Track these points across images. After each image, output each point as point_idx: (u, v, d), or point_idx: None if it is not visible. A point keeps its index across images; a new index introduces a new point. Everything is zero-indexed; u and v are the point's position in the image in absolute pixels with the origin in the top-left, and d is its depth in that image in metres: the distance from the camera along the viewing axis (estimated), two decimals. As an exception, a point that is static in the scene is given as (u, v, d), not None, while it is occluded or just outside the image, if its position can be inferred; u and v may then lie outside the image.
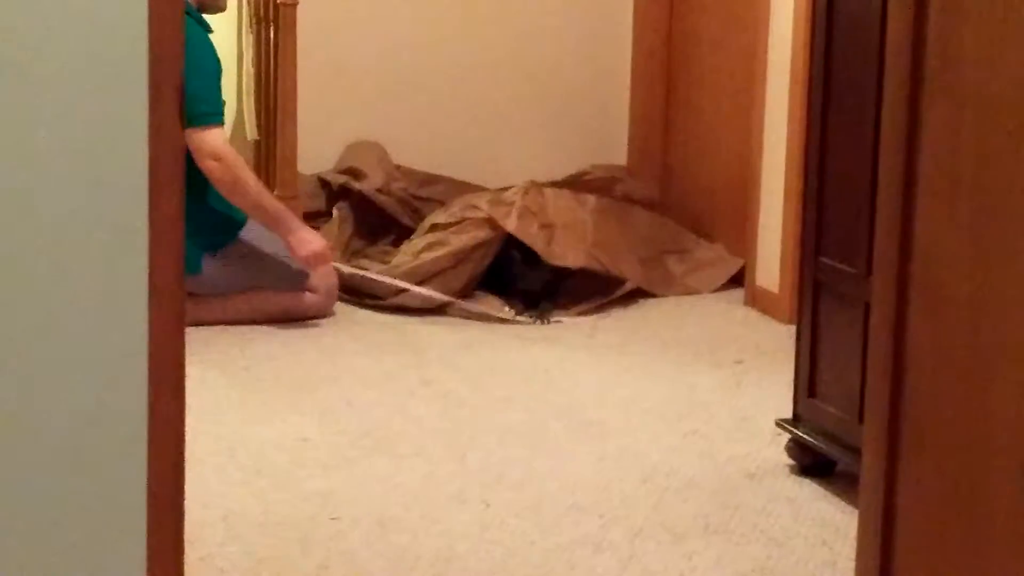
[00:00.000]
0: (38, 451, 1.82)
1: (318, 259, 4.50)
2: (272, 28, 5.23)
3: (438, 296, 4.65)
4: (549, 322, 4.67)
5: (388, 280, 4.64)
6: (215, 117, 4.47)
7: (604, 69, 5.74)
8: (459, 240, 4.75)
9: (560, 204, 4.97)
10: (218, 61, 4.58)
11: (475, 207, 4.84)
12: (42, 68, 1.77)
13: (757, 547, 2.90)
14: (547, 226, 4.84)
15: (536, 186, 4.99)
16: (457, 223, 4.81)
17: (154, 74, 1.80)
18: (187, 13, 4.46)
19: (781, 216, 4.75)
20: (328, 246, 4.53)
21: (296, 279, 4.59)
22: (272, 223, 4.47)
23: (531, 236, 4.76)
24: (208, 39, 4.57)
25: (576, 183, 5.30)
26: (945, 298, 1.90)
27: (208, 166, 4.40)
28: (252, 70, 5.26)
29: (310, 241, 4.50)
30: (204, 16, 4.65)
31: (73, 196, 1.80)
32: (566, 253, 4.80)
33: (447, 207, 4.99)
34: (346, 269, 4.79)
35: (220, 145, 4.45)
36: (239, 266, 4.55)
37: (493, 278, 4.84)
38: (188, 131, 4.32)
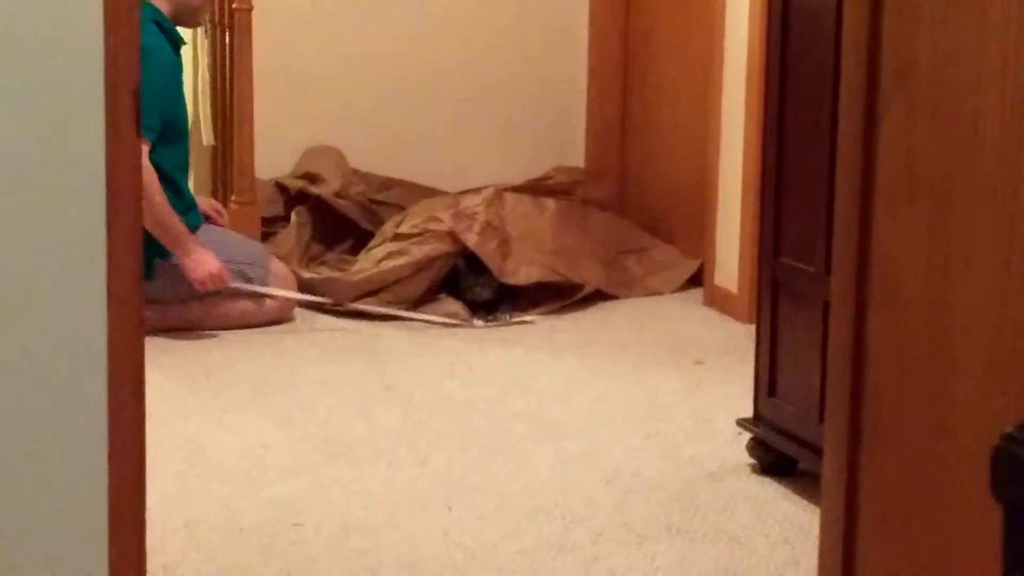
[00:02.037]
0: (-3, 461, 1.81)
1: (213, 280, 4.45)
2: (228, 32, 5.22)
3: (319, 299, 4.64)
4: (508, 322, 4.68)
5: (281, 293, 4.59)
6: (142, 131, 4.38)
7: (561, 72, 5.75)
8: (420, 251, 4.77)
9: (520, 212, 4.99)
10: (173, 76, 4.54)
11: (437, 219, 4.85)
12: (-3, 75, 1.76)
13: (720, 547, 2.91)
14: (506, 241, 4.85)
15: (498, 194, 5.00)
16: (419, 234, 4.82)
17: (110, 79, 1.79)
18: (157, 23, 4.45)
19: (739, 216, 4.76)
20: (223, 268, 4.48)
21: (254, 283, 4.57)
22: (171, 243, 4.43)
23: (488, 253, 4.77)
24: (162, 52, 4.51)
25: (538, 187, 5.31)
26: (903, 297, 1.91)
27: None
28: (208, 75, 5.24)
29: (205, 263, 4.46)
30: (178, 28, 4.62)
31: (30, 203, 1.78)
32: (519, 268, 4.81)
33: (409, 215, 4.99)
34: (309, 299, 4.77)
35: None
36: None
37: (450, 283, 4.84)
38: None
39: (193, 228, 4.56)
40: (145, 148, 4.41)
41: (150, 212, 4.36)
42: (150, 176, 4.38)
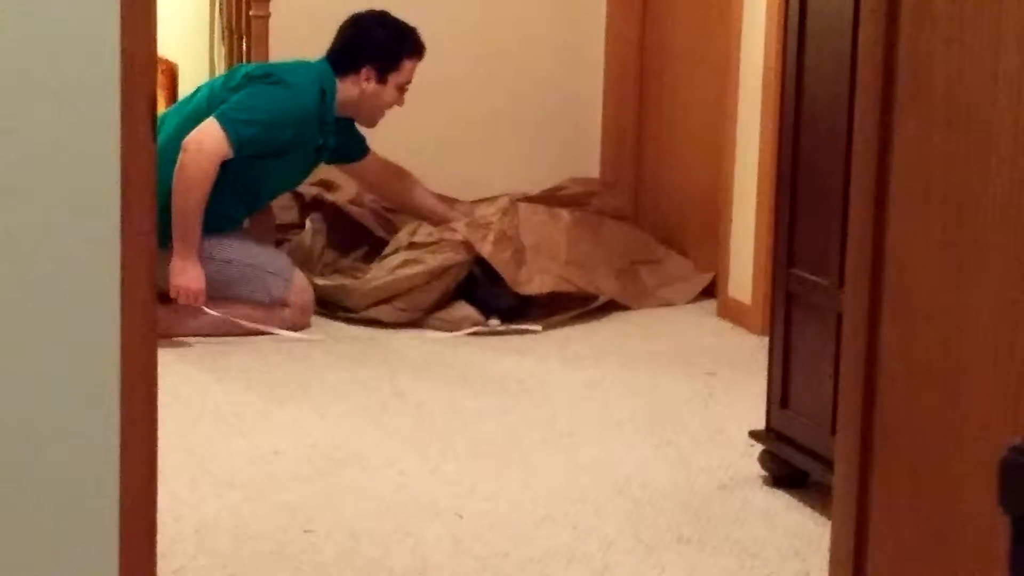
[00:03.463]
0: (9, 465, 1.81)
1: (189, 294, 4.44)
2: (244, 40, 5.23)
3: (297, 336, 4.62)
4: (514, 328, 4.68)
5: (249, 325, 4.57)
6: (234, 132, 4.44)
7: (576, 83, 5.75)
8: (434, 259, 4.76)
9: (534, 221, 4.99)
10: (297, 129, 4.56)
11: (452, 228, 4.86)
12: (11, 78, 1.76)
13: (730, 558, 2.91)
14: (520, 251, 4.85)
15: (513, 204, 5.00)
16: (434, 243, 4.82)
17: (126, 84, 1.80)
18: (323, 92, 4.56)
19: (753, 228, 4.76)
20: (203, 291, 4.47)
21: (273, 294, 4.58)
22: (178, 238, 4.41)
23: (503, 263, 4.77)
24: (303, 104, 4.56)
25: (552, 198, 5.31)
26: (916, 309, 1.91)
27: (186, 150, 4.38)
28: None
29: (191, 274, 4.44)
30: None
31: (44, 209, 1.79)
32: (533, 278, 4.81)
33: (424, 224, 4.99)
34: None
35: (212, 146, 4.41)
36: (215, 269, 4.53)
37: (465, 290, 4.84)
38: (209, 118, 4.35)
39: (238, 220, 4.64)
40: (223, 145, 4.42)
41: (183, 200, 4.39)
42: (208, 169, 4.40)
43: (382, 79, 4.68)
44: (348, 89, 4.66)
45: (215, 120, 4.42)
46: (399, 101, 4.76)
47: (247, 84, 4.56)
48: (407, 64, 4.71)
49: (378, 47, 4.67)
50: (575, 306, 4.89)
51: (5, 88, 1.76)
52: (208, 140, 4.41)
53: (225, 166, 4.48)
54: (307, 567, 2.81)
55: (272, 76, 4.59)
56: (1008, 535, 1.25)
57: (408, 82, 4.74)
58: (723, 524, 3.08)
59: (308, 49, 5.01)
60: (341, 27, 4.75)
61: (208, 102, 4.60)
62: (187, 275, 4.43)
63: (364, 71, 4.66)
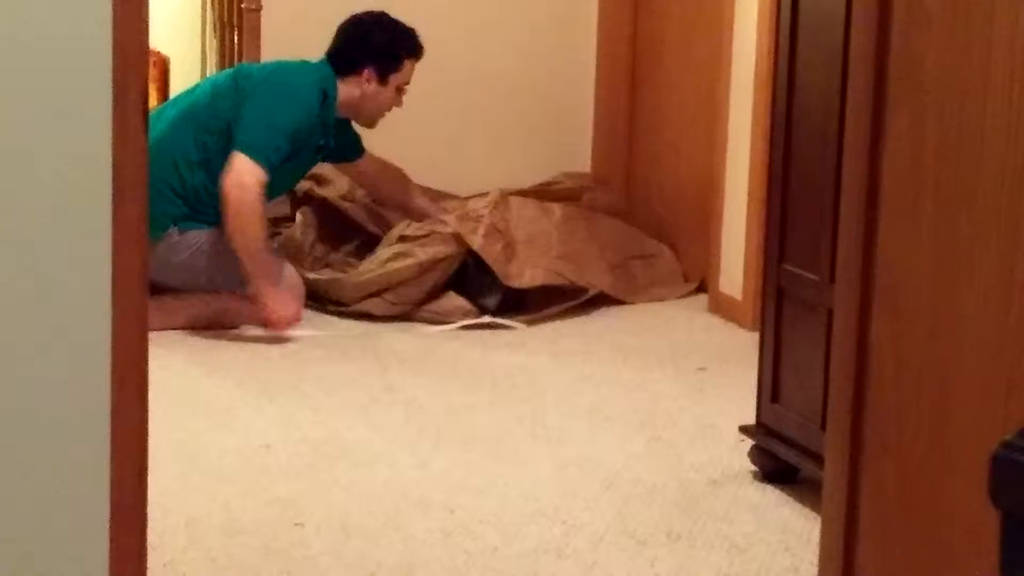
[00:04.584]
0: (-1, 456, 1.81)
1: (288, 322, 4.46)
2: (236, 33, 5.23)
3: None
4: (502, 324, 4.69)
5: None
6: (265, 160, 4.46)
7: (568, 77, 5.75)
8: (425, 253, 4.77)
9: (526, 215, 4.99)
10: (307, 131, 4.59)
11: (443, 221, 4.86)
12: (2, 70, 1.76)
13: (720, 554, 2.91)
14: (511, 244, 4.85)
15: (504, 198, 5.00)
16: (425, 236, 4.82)
17: (118, 76, 1.80)
18: (325, 93, 4.56)
19: (744, 223, 4.77)
20: (295, 313, 4.50)
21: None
22: (254, 273, 4.43)
23: (493, 256, 4.77)
24: (308, 107, 4.58)
25: (544, 192, 5.32)
26: (907, 304, 1.91)
27: (229, 193, 4.40)
28: (216, 75, 5.24)
29: (288, 303, 4.47)
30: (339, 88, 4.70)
31: (35, 200, 1.79)
32: (524, 271, 4.81)
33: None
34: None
35: (252, 180, 4.43)
36: (208, 261, 4.54)
37: (457, 280, 4.85)
38: (235, 152, 4.37)
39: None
40: (260, 174, 4.45)
41: (243, 238, 4.41)
42: (256, 203, 4.43)
43: (383, 80, 4.70)
44: (349, 90, 4.68)
45: (243, 155, 4.43)
46: (398, 102, 4.79)
47: (255, 92, 4.54)
48: (407, 65, 4.74)
49: (379, 48, 4.69)
50: (566, 300, 4.89)
51: (-4, 80, 1.76)
52: (246, 177, 4.43)
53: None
54: (297, 561, 2.81)
55: (279, 83, 4.59)
56: (998, 530, 1.25)
57: (407, 83, 4.76)
58: (713, 519, 3.09)
59: (300, 42, 5.01)
60: (341, 27, 4.75)
61: (212, 98, 4.60)
62: (277, 304, 4.45)
63: (365, 72, 4.68)
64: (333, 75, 4.66)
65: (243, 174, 4.41)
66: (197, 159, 4.55)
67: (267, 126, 4.48)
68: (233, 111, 4.52)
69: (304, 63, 4.69)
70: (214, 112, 4.55)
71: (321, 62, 4.70)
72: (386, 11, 4.75)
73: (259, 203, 4.43)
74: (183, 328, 4.50)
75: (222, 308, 4.57)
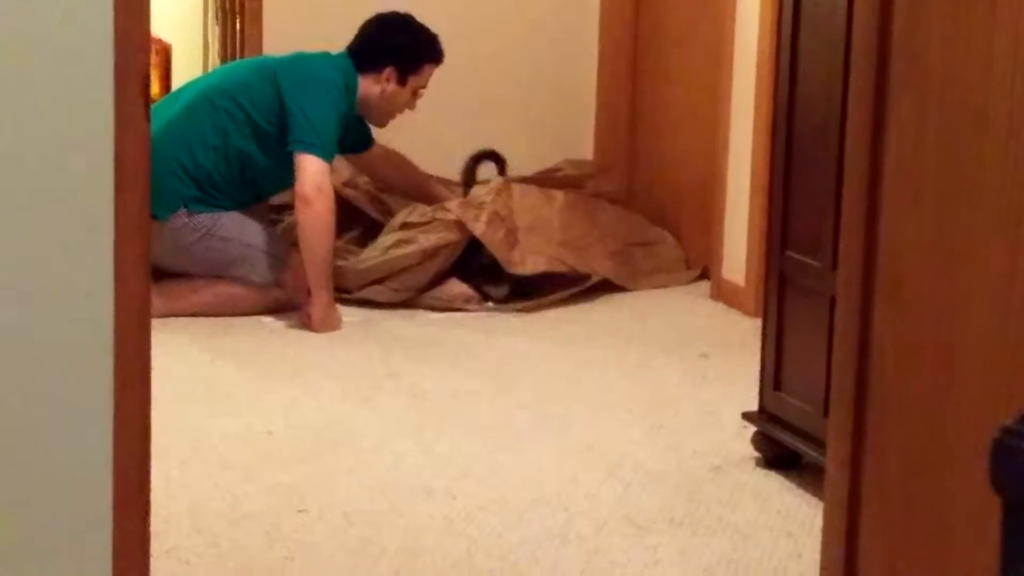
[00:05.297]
0: (2, 445, 1.81)
1: (329, 326, 4.46)
2: (238, 20, 5.22)
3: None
4: (513, 303, 4.71)
5: None
6: (327, 154, 4.51)
7: (571, 65, 5.74)
8: (427, 239, 4.77)
9: (528, 202, 4.99)
10: (345, 107, 4.64)
11: (445, 208, 4.87)
12: (3, 58, 1.76)
13: (722, 540, 2.91)
14: (513, 231, 4.85)
15: (506, 184, 5.00)
16: (427, 223, 4.83)
17: (119, 62, 1.79)
18: (347, 87, 4.59)
19: (747, 210, 4.76)
20: (341, 319, 4.52)
21: (269, 275, 4.59)
22: (313, 279, 4.45)
23: (495, 243, 4.77)
24: (338, 93, 4.62)
25: (546, 180, 5.31)
26: (909, 291, 1.91)
27: (309, 199, 4.43)
28: (219, 62, 5.25)
29: (334, 314, 4.48)
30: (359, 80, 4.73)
31: (38, 188, 1.79)
32: (526, 259, 4.81)
33: (416, 204, 5.00)
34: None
35: (326, 180, 4.49)
36: (212, 247, 4.55)
37: (460, 266, 4.85)
38: (300, 154, 4.41)
39: (266, 196, 4.72)
40: (328, 171, 4.50)
41: (315, 245, 4.45)
42: (332, 212, 4.48)
43: (402, 81, 4.75)
44: (369, 86, 4.72)
45: (309, 155, 4.46)
46: (412, 105, 4.84)
47: (287, 85, 4.56)
48: (427, 69, 4.80)
49: (403, 50, 4.74)
50: (569, 287, 4.89)
51: (-2, 66, 1.76)
52: (320, 177, 4.47)
53: (246, 165, 4.54)
54: (300, 547, 2.82)
55: (313, 76, 4.60)
56: (1000, 515, 1.25)
57: (424, 87, 4.81)
58: (715, 506, 3.09)
59: (301, 30, 5.02)
60: (365, 25, 4.80)
61: (240, 87, 4.61)
62: (332, 319, 4.48)
63: (386, 71, 4.71)
64: (354, 70, 4.69)
65: (316, 176, 4.46)
66: (213, 143, 4.56)
67: (319, 120, 4.52)
68: (269, 106, 4.54)
69: (327, 55, 4.72)
70: (242, 101, 4.58)
71: (342, 56, 4.72)
72: (411, 14, 4.79)
73: (333, 212, 4.48)
74: (187, 314, 4.50)
75: (228, 295, 4.57)
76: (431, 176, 5.21)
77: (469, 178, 5.21)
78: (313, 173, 4.46)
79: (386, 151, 5.06)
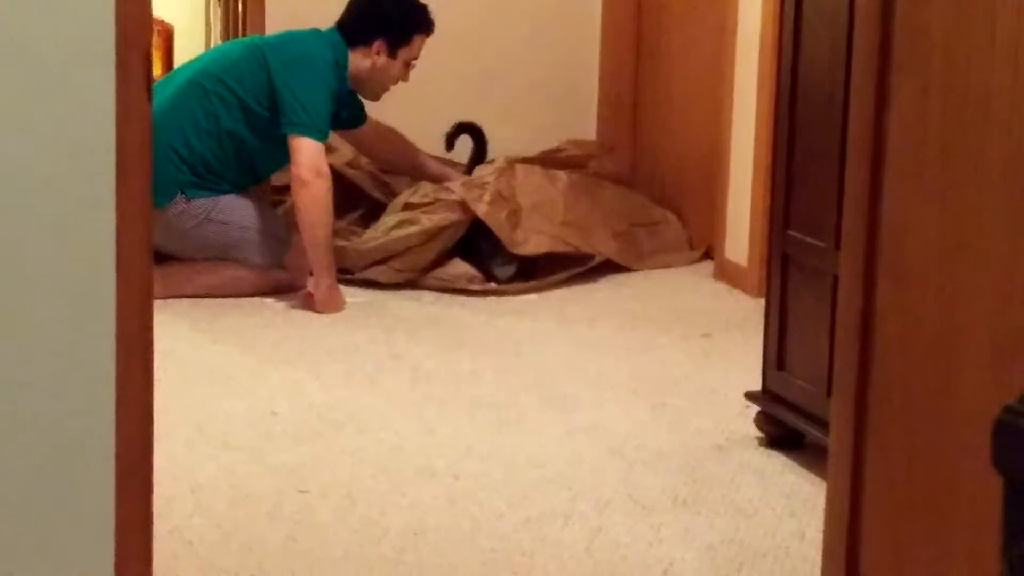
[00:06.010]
0: (4, 426, 1.81)
1: (331, 307, 4.45)
2: (240, 2, 5.21)
3: None
4: (516, 284, 4.71)
5: None
6: (321, 134, 4.51)
7: (574, 45, 5.73)
8: (430, 220, 4.76)
9: (531, 183, 4.98)
10: (336, 84, 4.63)
11: (448, 188, 4.86)
12: (3, 39, 1.75)
13: (725, 519, 2.92)
14: (516, 211, 4.85)
15: (510, 165, 5.00)
16: (430, 203, 4.82)
17: (120, 42, 1.79)
18: (337, 62, 4.57)
19: (750, 190, 4.76)
20: (343, 302, 4.51)
21: (271, 257, 4.59)
22: (315, 261, 4.46)
23: (498, 223, 4.77)
24: (329, 72, 4.60)
25: (550, 160, 5.31)
26: (912, 271, 1.91)
27: (306, 181, 4.43)
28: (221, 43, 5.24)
29: (337, 295, 4.48)
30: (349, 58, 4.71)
31: (39, 170, 1.79)
32: (529, 238, 4.81)
33: (421, 186, 4.99)
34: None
35: (322, 162, 4.49)
36: (213, 230, 4.55)
37: (464, 247, 4.85)
38: (294, 136, 4.39)
39: (261, 178, 4.72)
40: (323, 151, 4.49)
41: (313, 227, 4.44)
42: (330, 193, 4.48)
43: (392, 53, 4.71)
44: (359, 61, 4.69)
45: (303, 137, 4.46)
46: (404, 77, 4.80)
47: (276, 66, 4.55)
48: (417, 40, 4.76)
49: (391, 21, 4.70)
50: (572, 267, 4.89)
51: (-1, 48, 1.76)
52: (316, 159, 4.47)
53: (240, 148, 4.54)
54: (303, 527, 2.82)
55: (302, 55, 4.59)
56: (1001, 495, 1.25)
57: (415, 58, 4.78)
58: (719, 485, 3.09)
59: (304, 9, 5.00)
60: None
61: (229, 69, 4.59)
62: (335, 300, 4.47)
63: (376, 44, 4.69)
64: (344, 45, 4.67)
65: (312, 159, 4.46)
66: (206, 128, 4.55)
67: (310, 100, 4.51)
68: (259, 88, 4.53)
69: (316, 32, 4.69)
70: (232, 84, 4.56)
71: (331, 31, 4.69)
72: None
73: (331, 193, 4.48)
74: (190, 296, 4.50)
75: (230, 277, 4.57)
76: (432, 156, 5.20)
77: (449, 148, 5.20)
78: (309, 155, 4.45)
79: (380, 127, 5.05)
